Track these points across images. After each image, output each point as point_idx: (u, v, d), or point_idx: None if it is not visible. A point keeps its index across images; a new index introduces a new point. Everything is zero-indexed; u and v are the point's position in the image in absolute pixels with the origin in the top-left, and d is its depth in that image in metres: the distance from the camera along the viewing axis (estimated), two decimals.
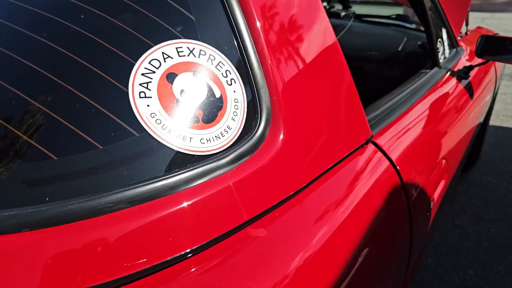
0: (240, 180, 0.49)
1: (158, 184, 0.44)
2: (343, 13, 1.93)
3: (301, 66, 0.62)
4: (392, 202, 0.74)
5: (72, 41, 0.49)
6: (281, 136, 0.56)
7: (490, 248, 1.93)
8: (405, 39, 1.81)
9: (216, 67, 0.54)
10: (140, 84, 0.48)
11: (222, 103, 0.53)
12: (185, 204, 0.45)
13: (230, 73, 0.55)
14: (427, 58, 1.62)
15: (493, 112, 3.26)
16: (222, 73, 0.54)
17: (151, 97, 0.48)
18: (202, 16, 0.55)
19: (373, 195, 0.70)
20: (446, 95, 1.25)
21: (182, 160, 0.47)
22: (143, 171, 0.45)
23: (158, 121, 0.47)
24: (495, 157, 2.79)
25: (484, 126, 2.34)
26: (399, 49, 1.76)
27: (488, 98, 2.04)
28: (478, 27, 2.48)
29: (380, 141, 0.80)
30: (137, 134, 0.46)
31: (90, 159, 0.43)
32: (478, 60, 1.65)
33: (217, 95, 0.53)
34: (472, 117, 1.46)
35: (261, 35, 0.58)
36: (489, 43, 1.37)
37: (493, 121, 3.33)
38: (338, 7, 2.08)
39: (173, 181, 0.45)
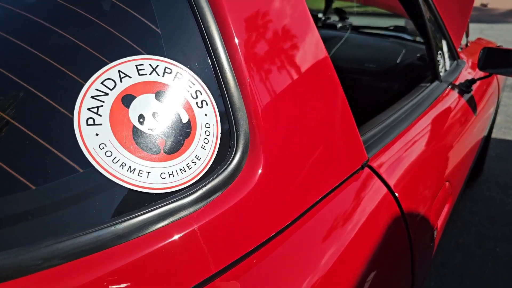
0: (208, 222, 0.41)
1: (103, 232, 0.36)
2: (339, 25, 1.88)
3: (286, 84, 0.55)
4: (391, 235, 0.66)
5: (3, 55, 0.41)
6: (261, 166, 0.48)
7: (495, 269, 1.83)
8: (404, 51, 1.75)
9: (184, 87, 0.46)
10: (88, 109, 0.40)
11: (190, 129, 0.45)
12: (137, 256, 0.37)
13: (201, 94, 0.47)
14: (426, 70, 1.56)
15: (495, 124, 3.20)
16: (191, 94, 0.46)
17: (101, 124, 0.40)
18: (170, 28, 0.48)
19: (369, 229, 0.62)
20: (448, 111, 1.18)
21: (136, 201, 0.39)
22: (85, 216, 0.37)
23: (108, 153, 0.39)
24: (498, 171, 2.71)
25: (487, 139, 2.26)
26: (398, 61, 1.70)
27: (491, 111, 1.97)
28: (479, 39, 2.43)
29: (377, 165, 0.73)
30: (81, 170, 0.38)
31: (18, 202, 0.35)
32: (480, 73, 1.59)
33: (184, 120, 0.45)
34: (476, 133, 1.39)
35: (239, 50, 0.50)
36: (491, 56, 1.31)
37: (495, 134, 3.26)
38: (334, 18, 2.03)
39: (122, 227, 0.37)
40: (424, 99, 1.14)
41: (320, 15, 1.84)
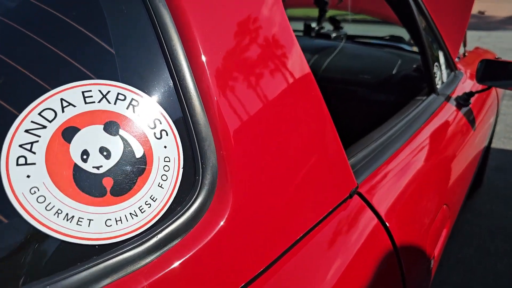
0: (162, 278, 0.35)
1: None
2: (334, 34, 1.83)
3: (262, 108, 0.49)
4: (381, 271, 0.59)
5: None
6: (230, 206, 0.42)
7: (497, 286, 1.76)
8: (400, 61, 1.70)
9: (140, 116, 0.40)
10: (20, 146, 0.34)
11: (145, 165, 0.39)
12: None
13: (161, 123, 0.41)
14: (423, 82, 1.51)
15: (494, 134, 3.14)
16: (148, 124, 0.41)
17: (34, 163, 0.34)
18: (126, 47, 0.42)
19: (357, 265, 0.55)
20: (445, 127, 1.13)
21: (72, 255, 0.33)
22: (9, 277, 0.31)
23: (41, 199, 0.33)
24: (499, 182, 2.65)
25: (487, 150, 2.21)
26: (393, 72, 1.65)
27: (491, 121, 1.91)
28: (477, 48, 2.39)
29: (367, 191, 0.67)
30: (5, 220, 0.32)
31: None
32: (478, 84, 1.53)
33: (138, 154, 0.39)
34: (475, 148, 1.33)
35: (207, 70, 0.45)
36: (490, 68, 1.25)
37: (494, 144, 3.21)
38: (329, 27, 1.98)
39: None
40: (420, 114, 1.09)
41: (313, 24, 1.80)
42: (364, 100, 1.69)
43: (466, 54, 2.16)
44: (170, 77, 0.43)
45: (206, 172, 0.42)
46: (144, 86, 0.42)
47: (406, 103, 1.56)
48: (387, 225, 0.63)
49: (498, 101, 2.01)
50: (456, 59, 1.87)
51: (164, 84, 0.43)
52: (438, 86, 1.31)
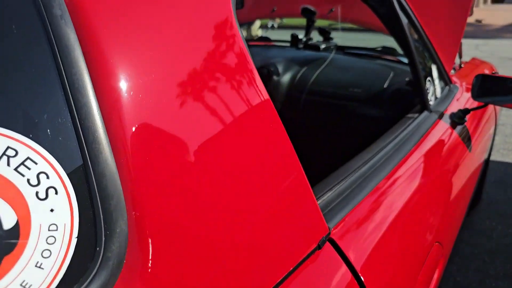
0: None
1: None
2: (323, 46, 1.74)
3: (195, 150, 0.39)
4: None
5: None
6: (147, 283, 0.32)
7: None
8: (392, 74, 1.61)
9: (16, 169, 0.30)
10: None
11: (17, 238, 0.29)
12: None
13: (48, 177, 0.31)
14: (415, 97, 1.41)
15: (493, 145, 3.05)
16: (28, 179, 0.30)
17: None
18: (7, 75, 0.32)
19: None
20: (437, 149, 1.03)
21: None
22: None
23: None
24: (498, 198, 2.54)
25: (485, 163, 2.10)
26: (385, 86, 1.55)
27: (490, 132, 1.82)
28: (473, 59, 2.30)
29: (342, 237, 0.56)
30: None
31: None
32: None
33: (8, 224, 0.29)
34: (472, 170, 1.23)
35: (122, 104, 0.35)
36: (486, 84, 1.16)
37: (493, 156, 3.11)
38: (319, 38, 1.90)
39: None
40: (409, 135, 0.99)
41: (301, 36, 1.71)
42: (353, 116, 1.59)
43: (462, 65, 2.08)
44: (66, 112, 0.33)
45: (111, 242, 0.32)
46: (29, 127, 0.32)
47: (397, 120, 1.46)
48: (362, 279, 0.53)
49: (496, 112, 1.92)
50: (452, 71, 1.78)
51: (59, 122, 0.33)
52: (431, 102, 1.22)
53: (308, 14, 1.71)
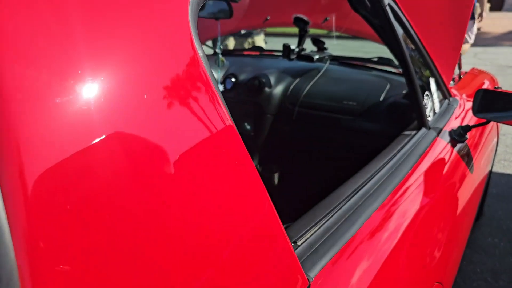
0: None
1: None
2: (316, 56, 1.67)
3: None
4: None
5: None
6: None
7: None
8: (388, 86, 1.53)
9: None
10: None
11: None
12: None
13: None
14: (413, 111, 1.34)
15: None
16: None
17: None
18: None
19: None
20: (437, 172, 0.95)
21: None
22: None
23: None
24: (500, 212, 2.45)
25: (487, 176, 2.02)
26: (381, 99, 1.48)
27: (493, 143, 1.74)
28: (473, 69, 2.23)
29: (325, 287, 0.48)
30: None
31: None
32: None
33: None
34: (474, 195, 1.14)
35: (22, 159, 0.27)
36: (488, 99, 1.09)
37: (494, 167, 3.02)
38: (313, 48, 1.83)
39: None
40: (407, 156, 0.91)
41: (293, 46, 1.64)
42: (347, 130, 1.52)
43: (461, 76, 2.01)
44: None
45: None
46: None
47: (394, 135, 1.38)
48: None
49: (498, 125, 1.85)
50: (451, 83, 1.71)
51: None
52: (430, 118, 1.14)
53: (301, 24, 1.64)
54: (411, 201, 0.79)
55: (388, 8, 0.94)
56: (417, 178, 0.87)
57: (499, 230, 2.27)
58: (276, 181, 1.75)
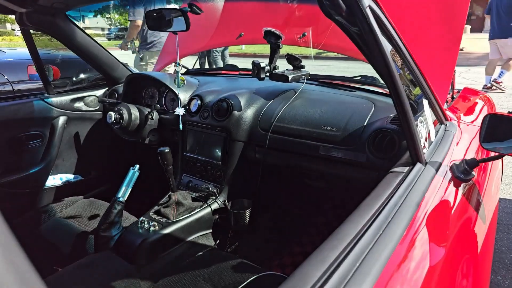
0: None
1: None
2: (292, 75, 1.45)
3: None
4: None
5: None
6: None
7: None
8: (373, 108, 1.32)
9: None
10: None
11: None
12: None
13: None
14: (402, 139, 1.11)
15: None
16: None
17: None
18: None
19: None
20: (440, 221, 0.71)
21: None
22: None
23: None
24: (501, 244, 2.22)
25: None
26: (365, 123, 1.26)
27: (499, 169, 1.52)
28: (466, 89, 2.05)
29: None
30: None
31: None
32: (478, 141, 1.14)
33: None
34: (488, 234, 0.91)
35: None
36: (498, 125, 0.87)
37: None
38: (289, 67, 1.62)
39: None
40: (403, 201, 0.68)
41: (263, 64, 1.42)
42: (327, 161, 1.28)
43: (454, 96, 1.81)
44: None
45: None
46: None
47: (380, 167, 1.15)
48: None
49: None
50: (444, 106, 1.50)
51: None
52: (425, 150, 0.91)
53: (272, 39, 1.43)
54: (420, 258, 0.56)
55: (368, 11, 0.73)
56: (416, 234, 0.63)
57: (503, 265, 2.03)
58: (247, 219, 1.48)
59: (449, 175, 0.87)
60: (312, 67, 1.93)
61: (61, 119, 1.81)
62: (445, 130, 1.12)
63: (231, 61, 5.51)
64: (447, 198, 0.81)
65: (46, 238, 1.44)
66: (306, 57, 1.84)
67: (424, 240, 0.66)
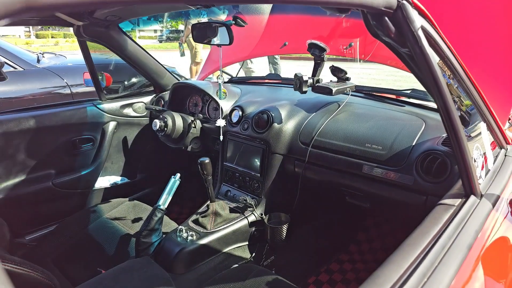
0: None
1: None
2: (335, 88, 1.40)
3: None
4: None
5: None
6: None
7: None
8: (424, 126, 1.23)
9: None
10: None
11: None
12: None
13: None
14: (455, 163, 1.02)
15: None
16: None
17: None
18: None
19: None
20: (497, 267, 0.64)
21: None
22: None
23: None
24: None
25: None
26: (414, 143, 1.18)
27: None
28: None
29: None
30: None
31: None
32: None
33: None
34: None
35: None
36: None
37: None
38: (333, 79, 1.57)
39: None
40: (452, 244, 0.62)
41: (306, 77, 1.38)
42: (370, 181, 1.22)
43: None
44: None
45: None
46: None
47: (427, 191, 1.07)
48: None
49: None
50: (506, 125, 1.37)
51: None
52: (481, 180, 0.83)
53: (316, 51, 1.39)
54: None
55: (420, 33, 0.67)
56: (471, 276, 0.57)
57: None
58: (284, 233, 1.46)
59: (508, 210, 0.78)
60: (360, 70, 1.84)
61: (111, 124, 1.91)
62: (505, 155, 1.02)
63: (283, 62, 5.46)
64: (504, 238, 0.73)
65: (93, 237, 1.52)
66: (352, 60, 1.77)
67: (477, 286, 0.60)
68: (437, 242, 0.62)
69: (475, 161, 0.82)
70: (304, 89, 1.38)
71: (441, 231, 0.65)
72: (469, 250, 0.62)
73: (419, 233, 0.65)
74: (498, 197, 0.80)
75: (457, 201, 0.76)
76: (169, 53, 9.80)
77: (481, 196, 0.78)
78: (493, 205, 0.77)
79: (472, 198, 0.77)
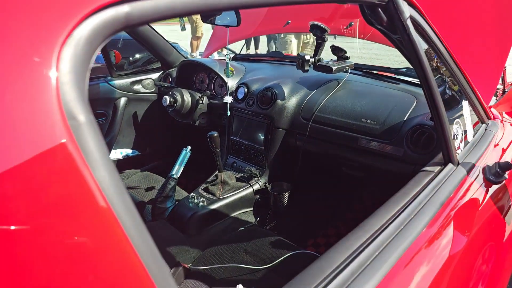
0: None
1: None
2: (335, 67, 1.50)
3: None
4: None
5: None
6: None
7: None
8: (415, 103, 1.34)
9: None
10: None
11: None
12: None
13: None
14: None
15: None
16: None
17: None
18: None
19: None
20: (464, 224, 0.77)
21: None
22: None
23: None
24: None
25: None
26: (405, 118, 1.29)
27: None
28: None
29: None
30: None
31: None
32: None
33: None
34: None
35: None
36: None
37: None
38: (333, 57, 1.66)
39: None
40: (428, 200, 0.75)
41: (307, 57, 1.48)
42: (364, 153, 1.34)
43: (506, 90, 1.76)
44: None
45: None
46: None
47: (416, 162, 1.20)
48: None
49: None
50: (493, 99, 1.48)
51: None
52: (460, 151, 0.96)
53: (318, 32, 1.48)
54: (438, 250, 0.64)
55: (409, 22, 0.77)
56: (442, 226, 0.71)
57: None
58: (285, 200, 1.61)
59: (480, 177, 0.91)
60: (361, 44, 1.91)
61: (122, 100, 2.01)
62: (485, 129, 1.14)
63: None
64: (474, 199, 0.86)
65: None
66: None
67: (445, 236, 0.73)
68: (415, 199, 0.75)
69: (455, 134, 0.94)
70: (306, 68, 1.48)
71: (420, 191, 0.78)
72: (441, 206, 0.75)
73: (401, 193, 0.78)
74: (474, 165, 0.93)
75: (437, 168, 0.89)
76: (169, 26, 9.68)
77: (458, 164, 0.91)
78: (468, 172, 0.90)
79: (450, 165, 0.89)
